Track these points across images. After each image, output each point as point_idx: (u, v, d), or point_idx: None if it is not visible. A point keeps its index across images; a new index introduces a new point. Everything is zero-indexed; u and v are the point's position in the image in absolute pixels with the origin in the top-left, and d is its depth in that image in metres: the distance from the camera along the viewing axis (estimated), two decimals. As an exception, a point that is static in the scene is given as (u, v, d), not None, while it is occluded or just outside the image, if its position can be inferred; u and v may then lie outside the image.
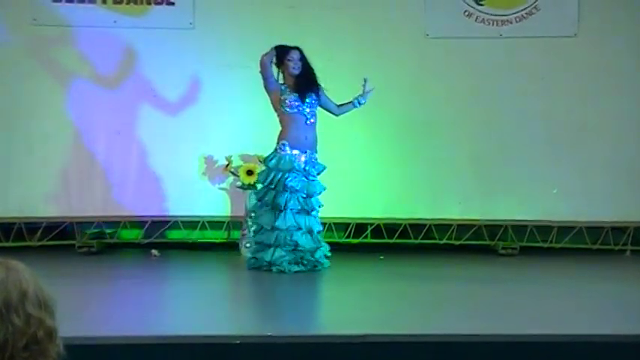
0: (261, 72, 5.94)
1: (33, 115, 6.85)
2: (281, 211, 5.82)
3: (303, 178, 5.91)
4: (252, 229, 6.21)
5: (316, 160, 6.02)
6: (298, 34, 6.76)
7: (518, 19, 7.03)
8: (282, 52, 5.96)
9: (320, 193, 6.01)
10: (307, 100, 5.97)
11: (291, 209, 5.83)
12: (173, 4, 6.96)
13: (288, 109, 5.94)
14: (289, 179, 5.83)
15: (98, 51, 6.90)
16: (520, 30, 7.01)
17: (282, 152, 5.92)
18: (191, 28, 6.97)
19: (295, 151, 5.92)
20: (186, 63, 6.96)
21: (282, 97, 5.95)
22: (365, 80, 6.08)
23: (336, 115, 6.18)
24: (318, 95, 6.01)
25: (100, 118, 6.93)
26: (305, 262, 5.84)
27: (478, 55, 7.04)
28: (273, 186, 5.88)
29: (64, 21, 6.88)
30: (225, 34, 6.96)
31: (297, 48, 5.99)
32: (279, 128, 6.01)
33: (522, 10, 7.02)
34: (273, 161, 5.94)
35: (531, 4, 7.01)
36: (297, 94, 5.95)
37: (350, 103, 6.13)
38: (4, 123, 6.84)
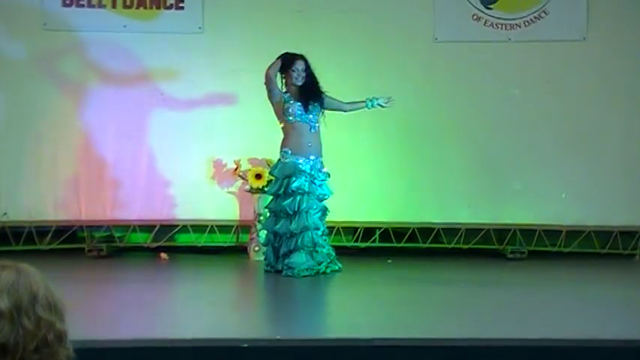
0: (266, 84, 5.95)
1: (43, 119, 6.88)
2: (294, 214, 5.82)
3: (310, 182, 5.91)
4: (263, 236, 6.21)
5: (322, 165, 6.02)
6: (306, 38, 6.78)
7: (527, 23, 7.03)
8: (287, 61, 5.97)
9: (327, 197, 6.01)
10: (310, 109, 5.98)
11: (305, 211, 5.83)
12: (182, 8, 6.99)
13: (291, 118, 5.95)
14: (294, 182, 5.84)
15: (108, 55, 6.93)
16: (529, 34, 7.01)
17: (285, 159, 5.93)
18: (200, 33, 6.99)
19: (300, 159, 5.92)
20: (195, 67, 6.98)
21: (285, 106, 5.96)
22: (389, 99, 6.11)
23: (345, 112, 6.17)
24: (321, 103, 6.01)
25: (109, 122, 6.95)
26: (319, 267, 5.83)
27: (487, 59, 7.04)
28: (281, 191, 5.88)
29: (75, 26, 6.91)
30: (234, 38, 6.98)
31: (302, 58, 5.99)
32: (282, 137, 6.02)
33: (531, 14, 7.02)
34: (277, 169, 5.96)
35: (540, 8, 7.01)
36: (300, 103, 5.96)
37: (362, 102, 6.14)
38: (15, 127, 6.87)
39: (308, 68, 5.99)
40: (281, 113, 5.99)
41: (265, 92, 6.00)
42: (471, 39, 7.01)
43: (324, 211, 6.00)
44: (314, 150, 5.97)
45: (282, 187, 5.89)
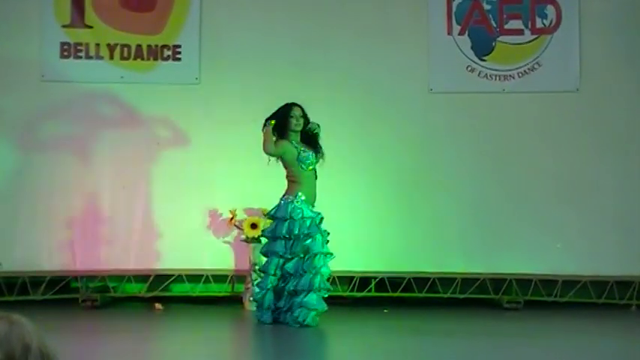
0: (273, 155, 5.93)
1: (38, 170, 6.90)
2: (305, 255, 5.77)
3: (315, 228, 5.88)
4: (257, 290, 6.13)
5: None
6: (302, 90, 6.83)
7: (520, 74, 7.10)
8: (284, 110, 5.99)
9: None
10: (317, 157, 6.00)
11: (322, 254, 5.78)
12: (179, 59, 7.06)
13: (306, 167, 5.93)
14: (309, 224, 5.80)
15: (104, 106, 6.98)
16: (523, 85, 7.08)
17: (297, 202, 5.86)
18: (197, 83, 7.05)
19: (311, 208, 5.89)
20: (191, 117, 7.03)
21: (300, 155, 5.93)
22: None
23: None
24: (320, 154, 6.02)
25: (105, 172, 6.97)
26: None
27: (482, 109, 7.10)
28: (294, 232, 5.79)
29: (72, 77, 6.97)
30: (230, 89, 7.04)
31: (296, 104, 6.03)
32: (284, 186, 5.98)
33: (525, 66, 7.10)
34: (287, 211, 5.83)
35: (533, 60, 7.09)
36: (312, 152, 5.96)
37: None
38: (10, 178, 6.88)
39: (305, 115, 6.03)
40: (295, 162, 5.93)
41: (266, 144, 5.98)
42: (465, 90, 7.08)
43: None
44: (315, 198, 5.97)
45: (297, 228, 5.79)
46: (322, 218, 5.89)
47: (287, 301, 5.81)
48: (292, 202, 5.88)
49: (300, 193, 5.90)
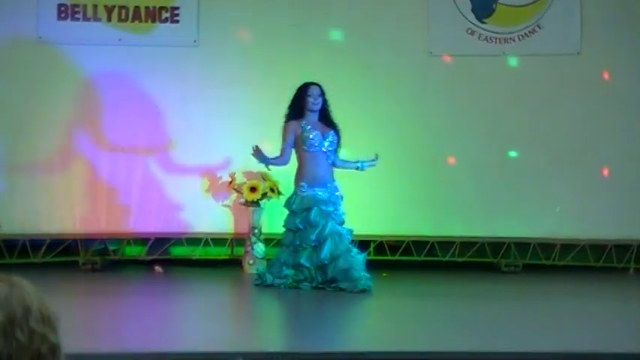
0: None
1: (37, 132, 6.88)
2: (319, 245, 5.76)
3: (334, 208, 5.87)
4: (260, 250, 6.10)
5: (337, 188, 5.98)
6: (301, 52, 6.81)
7: (521, 37, 7.05)
8: (302, 89, 5.96)
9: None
10: (328, 139, 5.95)
11: (338, 234, 5.78)
12: (178, 22, 7.00)
13: (309, 148, 5.89)
14: (313, 214, 5.78)
15: (103, 68, 6.94)
16: (523, 48, 7.03)
17: (303, 193, 5.86)
18: (195, 46, 7.00)
19: (318, 190, 5.86)
20: (190, 80, 6.99)
21: (304, 135, 5.90)
22: (376, 156, 6.09)
23: (335, 166, 6.10)
24: (337, 136, 5.98)
25: (103, 136, 6.95)
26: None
27: (481, 72, 7.06)
28: (302, 225, 5.80)
29: (70, 39, 6.92)
30: (228, 51, 6.99)
31: (316, 84, 5.99)
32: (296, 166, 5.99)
33: (525, 28, 7.05)
34: (295, 204, 5.86)
35: (534, 22, 7.03)
36: (318, 132, 5.92)
37: (353, 162, 6.12)
38: (9, 141, 6.86)
39: (323, 94, 5.99)
40: (300, 143, 5.92)
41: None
42: (465, 53, 7.04)
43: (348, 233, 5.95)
44: (329, 177, 5.95)
45: (303, 222, 5.80)
46: (334, 200, 5.82)
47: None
48: (295, 193, 5.88)
49: (302, 183, 5.86)
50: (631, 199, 6.92)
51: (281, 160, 6.01)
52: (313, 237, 5.76)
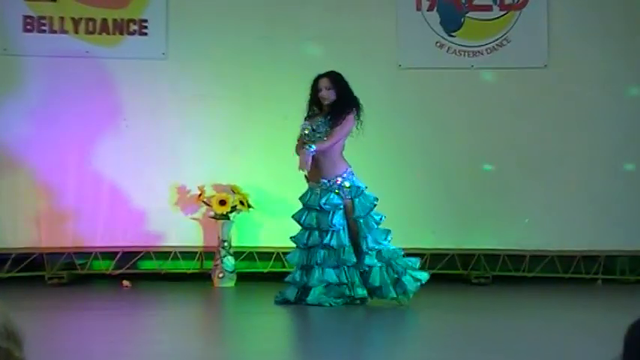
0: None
1: (2, 145, 6.79)
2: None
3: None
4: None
5: (343, 180, 5.78)
6: (271, 64, 6.80)
7: (489, 51, 7.11)
8: (313, 83, 5.70)
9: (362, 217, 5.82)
10: (317, 128, 5.64)
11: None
12: (146, 34, 6.96)
13: (307, 147, 5.54)
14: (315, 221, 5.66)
15: (69, 81, 6.87)
16: (492, 61, 7.09)
17: (307, 195, 5.70)
18: (164, 59, 6.96)
19: (316, 188, 5.71)
20: (158, 93, 6.95)
21: (301, 135, 5.66)
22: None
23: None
24: (326, 125, 5.64)
25: (71, 148, 6.88)
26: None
27: (450, 85, 7.10)
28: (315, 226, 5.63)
29: (36, 51, 6.85)
30: (197, 64, 6.96)
31: (325, 75, 5.70)
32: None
33: (493, 42, 7.10)
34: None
35: (502, 36, 7.09)
36: (308, 123, 5.66)
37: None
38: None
39: (337, 84, 5.67)
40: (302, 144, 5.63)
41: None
42: (434, 66, 7.07)
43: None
44: (324, 172, 5.63)
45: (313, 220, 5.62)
46: (338, 205, 5.61)
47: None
48: (305, 194, 5.72)
49: (308, 184, 5.71)
50: (599, 210, 6.99)
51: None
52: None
